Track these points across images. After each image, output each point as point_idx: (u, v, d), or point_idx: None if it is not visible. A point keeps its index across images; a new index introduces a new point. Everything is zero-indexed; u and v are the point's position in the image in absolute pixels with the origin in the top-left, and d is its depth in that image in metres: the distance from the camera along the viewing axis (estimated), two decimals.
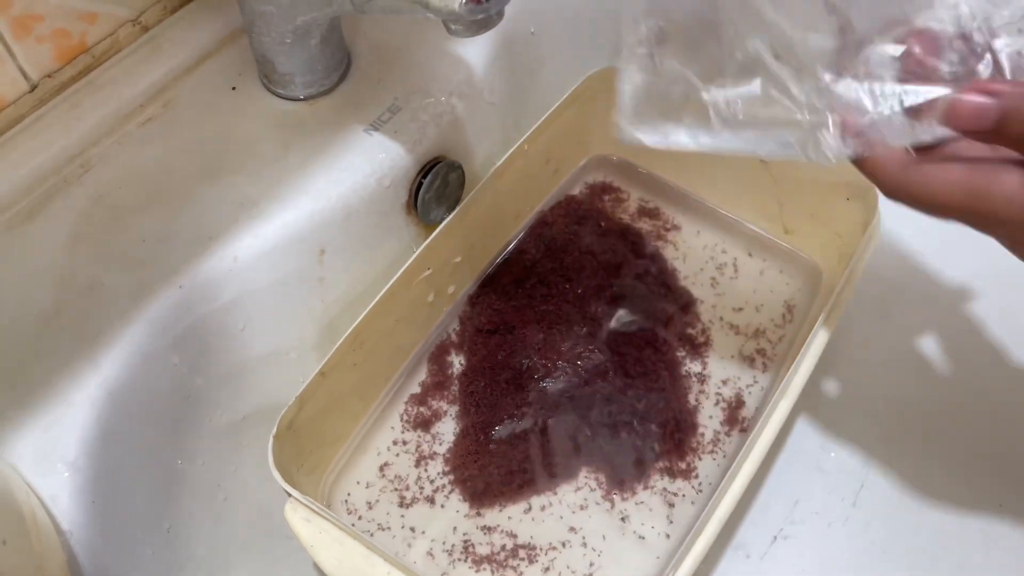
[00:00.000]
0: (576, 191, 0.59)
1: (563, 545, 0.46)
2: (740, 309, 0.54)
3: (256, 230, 0.42)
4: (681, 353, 0.52)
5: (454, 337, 0.52)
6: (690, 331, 0.53)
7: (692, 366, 0.51)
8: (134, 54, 0.46)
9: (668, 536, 0.46)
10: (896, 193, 0.31)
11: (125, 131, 0.44)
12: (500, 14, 0.35)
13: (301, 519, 0.38)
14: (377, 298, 0.44)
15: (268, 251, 0.42)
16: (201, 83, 0.46)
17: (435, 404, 0.50)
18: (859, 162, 0.32)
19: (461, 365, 0.51)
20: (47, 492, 0.35)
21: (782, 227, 0.55)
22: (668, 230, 0.57)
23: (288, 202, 0.42)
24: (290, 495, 0.38)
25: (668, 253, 0.56)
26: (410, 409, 0.50)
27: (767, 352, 0.52)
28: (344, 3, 0.37)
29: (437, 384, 0.51)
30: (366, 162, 0.44)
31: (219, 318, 0.41)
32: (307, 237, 0.43)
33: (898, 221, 0.49)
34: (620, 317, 0.53)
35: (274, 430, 0.39)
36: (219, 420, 0.43)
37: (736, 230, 0.57)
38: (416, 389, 0.51)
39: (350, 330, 0.43)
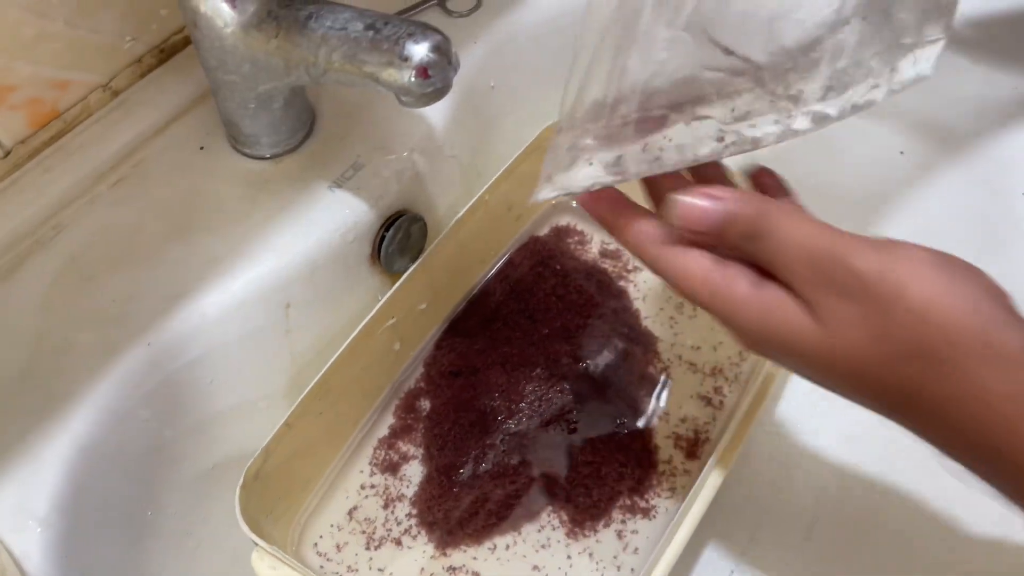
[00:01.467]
0: (542, 233, 0.61)
1: None
2: (698, 348, 0.56)
3: (223, 287, 0.43)
4: (642, 392, 0.54)
5: (420, 381, 0.54)
6: (650, 370, 0.55)
7: (653, 405, 0.53)
8: (105, 118, 0.47)
9: (632, 571, 0.47)
10: (653, 269, 0.34)
11: (96, 192, 0.45)
12: (449, 86, 0.37)
13: (267, 567, 0.40)
14: (341, 349, 0.45)
15: (235, 307, 0.43)
16: (170, 144, 0.48)
17: (403, 447, 0.52)
18: (616, 232, 0.35)
19: (427, 409, 0.52)
20: (19, 549, 0.36)
21: None
22: (629, 271, 0.59)
23: (254, 259, 0.44)
24: (256, 544, 0.40)
25: (631, 293, 0.58)
26: (379, 453, 0.51)
27: (723, 390, 0.54)
28: (302, 75, 0.39)
29: (405, 428, 0.52)
30: (330, 218, 0.46)
31: (188, 373, 0.43)
32: (273, 292, 0.44)
33: None
34: (583, 357, 0.54)
35: (240, 480, 0.41)
36: (189, 470, 0.44)
37: None
38: (385, 433, 0.52)
39: (315, 381, 0.44)
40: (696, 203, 0.31)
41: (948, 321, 0.27)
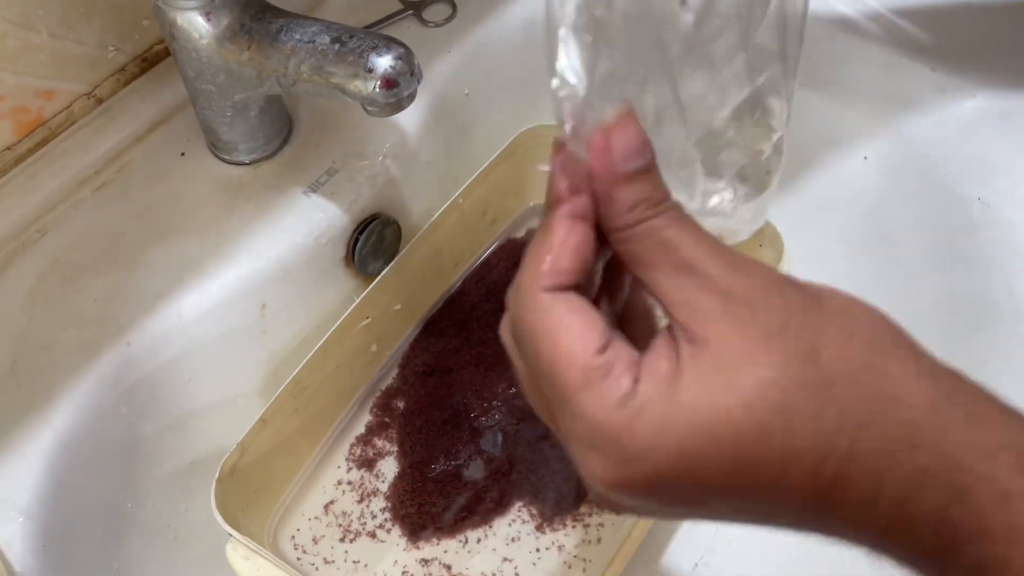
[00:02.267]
0: (519, 235, 0.63)
1: (497, 575, 0.49)
2: None
3: (201, 288, 0.45)
4: None
5: (396, 380, 0.55)
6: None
7: None
8: (89, 125, 0.49)
9: (596, 563, 0.49)
10: (515, 308, 0.25)
11: (80, 197, 0.47)
12: (412, 96, 0.38)
13: (241, 558, 0.41)
14: (316, 348, 0.47)
15: (212, 307, 0.45)
16: (152, 150, 0.49)
17: (379, 444, 0.53)
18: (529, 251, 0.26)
19: (402, 407, 0.54)
20: (1, 538, 0.38)
21: None
22: None
23: (231, 261, 0.46)
24: (231, 535, 0.41)
25: None
26: (355, 449, 0.53)
27: None
28: (274, 85, 0.41)
29: (381, 425, 0.54)
30: (304, 222, 0.47)
31: (166, 371, 0.45)
32: (249, 293, 0.46)
33: (803, 266, 0.52)
34: None
35: (216, 475, 0.42)
36: (168, 465, 0.46)
37: None
38: (361, 430, 0.54)
39: (289, 379, 0.46)
40: (640, 131, 0.24)
41: (879, 336, 0.23)
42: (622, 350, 0.23)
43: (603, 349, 0.23)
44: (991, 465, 0.21)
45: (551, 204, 0.24)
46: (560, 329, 0.23)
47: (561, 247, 0.24)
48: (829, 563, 0.48)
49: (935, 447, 0.21)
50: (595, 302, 0.25)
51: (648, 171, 0.23)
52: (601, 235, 0.24)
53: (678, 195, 0.25)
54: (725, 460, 0.21)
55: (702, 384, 0.21)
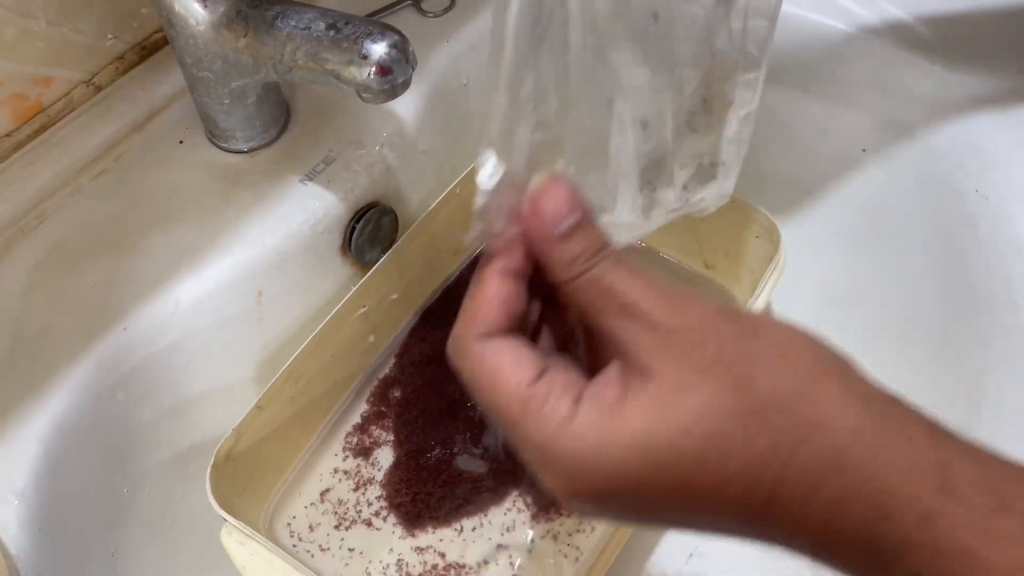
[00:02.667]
0: None
1: (491, 563, 0.49)
2: None
3: (198, 275, 0.45)
4: None
5: (393, 370, 0.55)
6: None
7: None
8: (88, 112, 0.49)
9: (590, 552, 0.49)
10: (456, 361, 0.27)
11: (78, 184, 0.47)
12: (406, 83, 0.38)
13: (235, 542, 0.41)
14: (312, 335, 0.47)
15: (209, 295, 0.45)
16: (151, 138, 0.50)
17: (375, 433, 0.53)
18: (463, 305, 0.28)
19: (399, 396, 0.54)
20: None
21: (703, 262, 0.59)
22: None
23: (227, 248, 0.46)
24: (226, 520, 0.41)
25: None
26: (351, 438, 0.53)
27: None
28: (270, 72, 0.41)
29: (378, 414, 0.54)
30: (301, 210, 0.48)
31: (163, 357, 0.45)
32: (245, 281, 0.46)
33: (800, 258, 0.52)
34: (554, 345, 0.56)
35: (211, 460, 0.43)
36: (165, 451, 0.46)
37: (662, 264, 0.61)
38: (358, 419, 0.54)
39: (285, 366, 0.46)
40: (566, 189, 0.26)
41: (810, 365, 0.24)
42: (558, 376, 0.25)
43: (536, 379, 0.25)
44: (914, 486, 0.22)
45: (483, 259, 0.27)
46: (495, 371, 0.25)
47: (490, 301, 0.26)
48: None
49: (859, 470, 0.22)
50: (537, 330, 0.29)
51: (582, 226, 0.26)
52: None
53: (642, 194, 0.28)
54: (664, 481, 0.23)
55: (643, 412, 0.23)
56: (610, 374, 0.25)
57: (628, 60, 0.28)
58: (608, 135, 0.29)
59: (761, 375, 0.23)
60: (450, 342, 0.27)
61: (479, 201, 0.27)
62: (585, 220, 0.26)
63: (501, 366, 0.25)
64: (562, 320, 0.30)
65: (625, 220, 0.31)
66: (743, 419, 0.23)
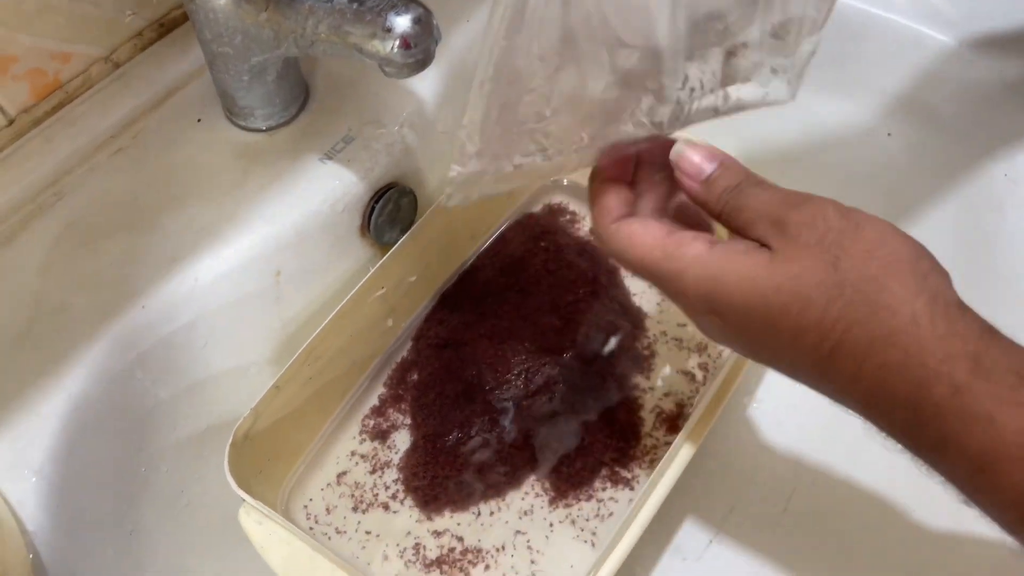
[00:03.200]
0: (536, 209, 0.62)
1: (508, 548, 0.48)
2: (684, 325, 0.57)
3: (216, 253, 0.45)
4: (628, 366, 0.55)
5: (410, 353, 0.55)
6: (638, 345, 0.56)
7: (638, 379, 0.54)
8: (106, 89, 0.49)
9: (608, 538, 0.48)
10: (604, 244, 0.35)
11: (96, 161, 0.47)
12: (430, 57, 0.38)
13: (253, 522, 0.41)
14: (330, 316, 0.47)
15: (227, 273, 0.45)
16: (168, 116, 0.49)
17: (393, 416, 0.53)
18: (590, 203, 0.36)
19: (415, 379, 0.54)
20: (14, 496, 0.38)
21: None
22: None
23: (245, 227, 0.45)
24: (244, 500, 0.41)
25: (621, 270, 0.59)
26: (368, 421, 0.53)
27: (708, 366, 0.55)
28: (291, 46, 0.40)
29: (395, 397, 0.54)
30: (319, 189, 0.47)
31: (181, 336, 0.44)
32: (264, 259, 0.46)
33: None
34: (571, 331, 0.56)
35: (230, 440, 0.42)
36: (182, 430, 0.46)
37: None
38: (375, 402, 0.54)
39: (303, 346, 0.46)
40: (701, 148, 0.34)
41: (896, 261, 0.29)
42: (688, 231, 0.33)
43: (670, 233, 0.33)
44: (949, 365, 0.27)
45: (594, 171, 0.37)
46: (630, 236, 0.34)
47: (607, 195, 0.35)
48: (838, 544, 0.48)
49: (906, 348, 0.28)
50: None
51: (721, 169, 0.34)
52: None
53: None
54: (759, 316, 0.30)
55: (755, 265, 0.31)
56: (743, 240, 0.32)
57: None
58: None
59: (848, 259, 0.29)
60: (594, 236, 0.37)
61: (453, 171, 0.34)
62: (724, 163, 0.34)
63: (634, 232, 0.34)
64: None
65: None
66: (824, 288, 0.29)
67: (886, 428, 0.30)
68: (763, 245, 0.31)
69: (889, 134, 0.55)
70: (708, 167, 0.34)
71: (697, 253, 0.32)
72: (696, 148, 0.34)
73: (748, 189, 0.32)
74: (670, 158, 0.35)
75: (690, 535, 0.49)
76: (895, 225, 0.30)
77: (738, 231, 0.33)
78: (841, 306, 0.29)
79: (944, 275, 0.30)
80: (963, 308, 0.29)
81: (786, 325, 0.30)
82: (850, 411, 0.31)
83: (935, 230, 0.53)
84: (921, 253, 0.30)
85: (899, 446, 0.30)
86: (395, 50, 0.37)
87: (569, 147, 0.34)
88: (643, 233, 0.34)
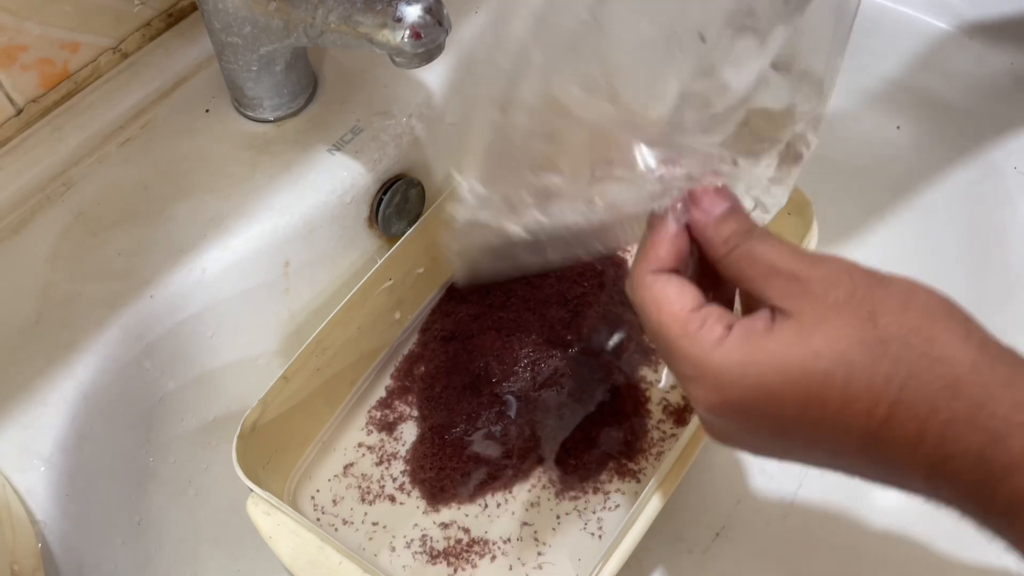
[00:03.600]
0: None
1: (515, 540, 0.48)
2: None
3: (224, 244, 0.45)
4: (636, 358, 0.55)
5: (417, 345, 0.55)
6: (644, 338, 0.56)
7: (645, 371, 0.54)
8: (114, 79, 0.49)
9: (615, 530, 0.48)
10: (633, 290, 0.32)
11: (105, 151, 0.47)
12: (440, 47, 0.38)
13: (261, 512, 0.41)
14: (339, 307, 0.47)
15: (235, 263, 0.45)
16: (177, 106, 0.49)
17: (400, 408, 0.53)
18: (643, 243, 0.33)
19: (422, 371, 0.54)
20: (23, 485, 0.38)
21: None
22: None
23: (254, 218, 0.45)
24: (252, 490, 0.41)
25: (630, 261, 0.59)
26: (375, 412, 0.53)
27: None
28: (300, 36, 0.40)
29: (402, 389, 0.54)
30: (328, 180, 0.47)
31: (189, 326, 0.44)
32: (272, 250, 0.46)
33: (833, 235, 0.51)
34: (579, 323, 0.56)
35: (238, 430, 0.42)
36: (190, 421, 0.46)
37: None
38: (382, 393, 0.54)
39: (312, 337, 0.46)
40: (715, 188, 0.31)
41: (933, 309, 0.27)
42: (714, 309, 0.29)
43: (696, 308, 0.29)
44: (1022, 415, 0.25)
45: (652, 216, 0.32)
46: (661, 297, 0.30)
47: (662, 242, 0.31)
48: (846, 536, 0.48)
49: (972, 399, 0.25)
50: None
51: (733, 211, 0.31)
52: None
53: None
54: (796, 394, 0.27)
55: (784, 339, 0.27)
56: (760, 313, 0.29)
57: None
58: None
59: (886, 314, 0.27)
60: (628, 279, 0.32)
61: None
62: (736, 206, 0.31)
63: (667, 293, 0.30)
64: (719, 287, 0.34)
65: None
66: (868, 347, 0.26)
67: (950, 494, 0.27)
68: (777, 309, 0.28)
69: (898, 127, 0.55)
70: (722, 205, 0.31)
71: (718, 336, 0.28)
72: (716, 185, 0.32)
73: (760, 238, 0.30)
74: (691, 201, 0.32)
75: (697, 528, 0.49)
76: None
77: (747, 283, 0.30)
78: (890, 364, 0.26)
79: (975, 319, 0.28)
80: (1010, 349, 0.27)
81: (831, 396, 0.26)
82: (904, 488, 0.28)
83: (945, 224, 0.53)
84: (951, 300, 0.28)
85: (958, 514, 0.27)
86: (405, 40, 0.37)
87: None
88: (674, 299, 0.30)
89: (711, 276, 0.32)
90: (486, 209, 0.31)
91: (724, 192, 0.31)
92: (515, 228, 0.31)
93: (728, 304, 0.33)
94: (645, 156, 0.31)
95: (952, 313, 0.27)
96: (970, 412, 0.25)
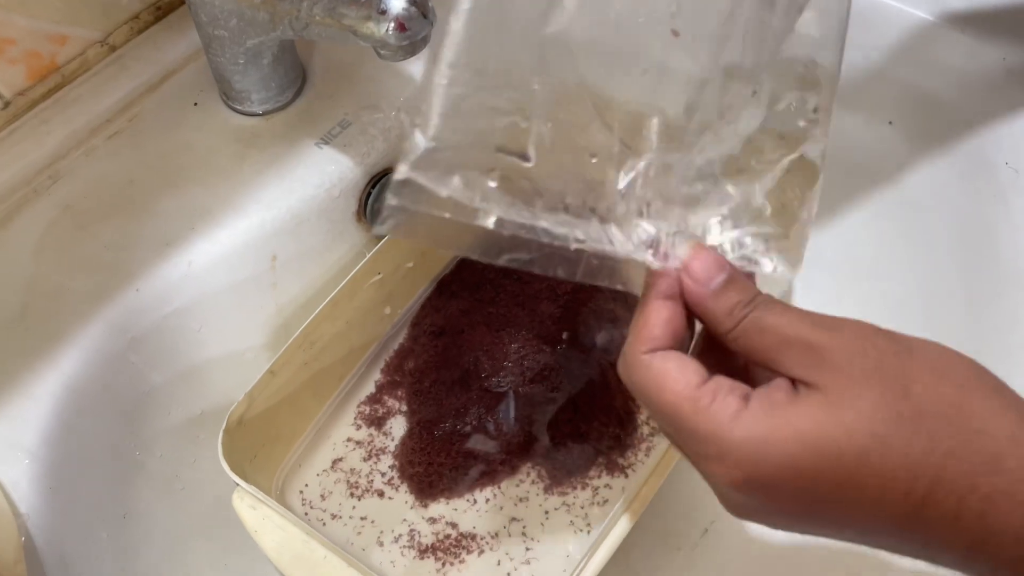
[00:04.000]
0: None
1: (503, 534, 0.48)
2: None
3: (211, 237, 0.45)
4: None
5: (407, 340, 0.55)
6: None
7: None
8: (102, 72, 0.49)
9: (603, 527, 0.48)
10: (628, 372, 0.29)
11: (92, 144, 0.47)
12: (425, 40, 0.38)
13: (247, 506, 0.41)
14: (326, 301, 0.46)
15: (222, 257, 0.45)
16: (165, 99, 0.49)
17: (389, 402, 0.53)
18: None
19: (411, 366, 0.54)
20: (7, 478, 0.38)
21: None
22: None
23: (241, 211, 0.45)
24: (238, 484, 0.41)
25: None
26: (364, 407, 0.53)
27: None
28: (286, 29, 0.40)
29: (392, 384, 0.53)
30: (316, 174, 0.47)
31: (175, 320, 0.44)
32: (259, 244, 0.46)
33: (824, 230, 0.51)
34: (569, 318, 0.55)
35: (223, 424, 0.42)
36: (177, 415, 0.46)
37: None
38: (371, 388, 0.53)
39: (299, 331, 0.45)
40: (712, 253, 0.29)
41: (966, 378, 0.26)
42: (723, 381, 0.27)
43: (703, 383, 0.27)
44: None
45: (645, 288, 0.30)
46: (662, 376, 0.28)
47: (655, 321, 0.28)
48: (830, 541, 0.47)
49: (1013, 474, 0.24)
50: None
51: (733, 280, 0.28)
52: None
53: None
54: (828, 475, 0.25)
55: (810, 413, 0.26)
56: (777, 383, 0.27)
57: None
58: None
59: (918, 385, 0.25)
60: (620, 360, 0.30)
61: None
62: (735, 274, 0.29)
63: (668, 371, 0.28)
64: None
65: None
66: (903, 423, 0.25)
67: (986, 569, 0.26)
68: (798, 380, 0.27)
69: (890, 122, 0.55)
70: (719, 275, 0.28)
71: (735, 410, 0.26)
72: (708, 251, 0.29)
73: (767, 306, 0.28)
74: (685, 266, 0.29)
75: (685, 524, 0.49)
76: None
77: (759, 356, 0.28)
78: (927, 439, 0.25)
79: (1007, 385, 0.27)
80: None
81: (867, 476, 0.25)
82: (938, 563, 0.26)
83: (936, 219, 0.53)
84: (980, 365, 0.27)
85: None
86: (390, 32, 0.36)
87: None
88: (677, 376, 0.27)
89: (714, 348, 0.30)
90: (437, 177, 0.27)
91: (718, 257, 0.29)
92: (470, 208, 0.27)
93: (736, 375, 0.31)
94: (628, 193, 0.29)
95: (984, 380, 0.26)
96: (1011, 487, 0.24)
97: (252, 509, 0.41)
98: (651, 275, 0.29)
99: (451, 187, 0.27)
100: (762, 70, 0.31)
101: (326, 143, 0.48)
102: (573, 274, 0.30)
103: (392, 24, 0.36)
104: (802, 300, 0.54)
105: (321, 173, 0.47)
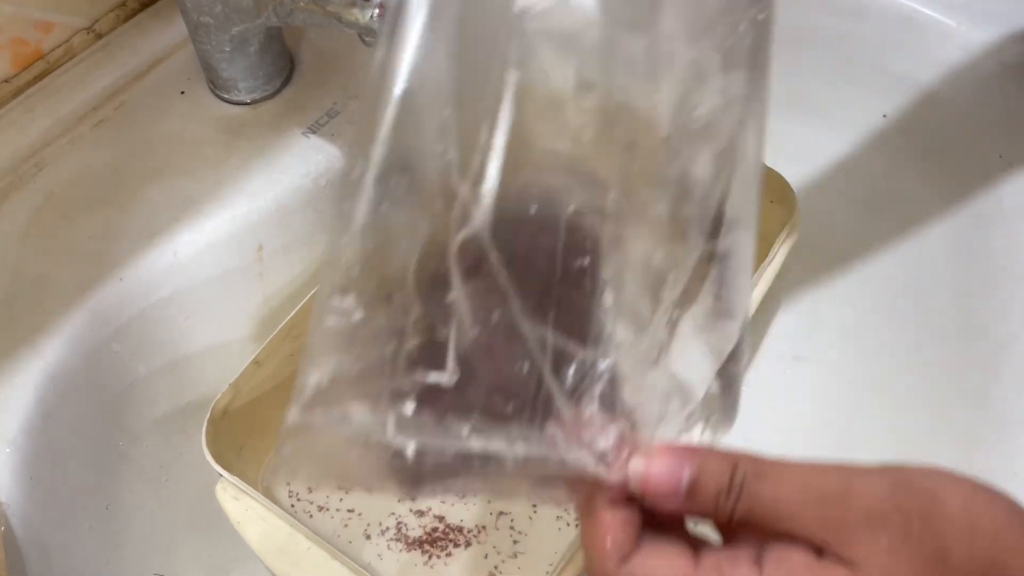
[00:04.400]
0: None
1: (491, 528, 0.48)
2: None
3: (197, 227, 0.44)
4: None
5: None
6: None
7: None
8: (88, 60, 0.48)
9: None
10: None
11: (78, 132, 0.46)
12: None
13: (230, 498, 0.41)
14: (312, 292, 0.46)
15: (208, 246, 0.44)
16: (152, 88, 0.49)
17: None
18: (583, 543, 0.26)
19: None
20: None
21: None
22: None
23: (228, 201, 0.45)
24: (221, 475, 0.41)
25: None
26: None
27: None
28: (271, 16, 0.40)
29: None
30: (303, 163, 0.47)
31: (160, 310, 0.44)
32: (246, 234, 0.45)
33: (816, 224, 0.51)
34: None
35: (208, 415, 0.42)
36: (163, 406, 0.46)
37: None
38: None
39: (285, 321, 0.45)
40: (666, 455, 0.25)
41: (1000, 527, 0.24)
42: (712, 553, 0.25)
43: (696, 563, 0.24)
44: None
45: (583, 506, 0.26)
46: None
47: (615, 529, 0.25)
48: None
49: None
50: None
51: (701, 473, 0.25)
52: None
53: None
54: None
55: None
56: (789, 545, 0.24)
57: None
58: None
59: (954, 547, 0.23)
60: None
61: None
62: (701, 466, 0.25)
63: (658, 571, 0.25)
64: None
65: None
66: None
67: None
68: (818, 546, 0.24)
69: (884, 115, 0.55)
70: (683, 472, 0.25)
71: None
72: (656, 454, 0.25)
73: (755, 482, 0.24)
74: (636, 489, 0.25)
75: None
76: (955, 472, 0.25)
77: (770, 531, 0.25)
78: None
79: None
80: None
81: None
82: None
83: (929, 213, 0.52)
84: (1012, 503, 0.25)
85: None
86: (374, 19, 0.36)
87: None
88: (666, 571, 0.25)
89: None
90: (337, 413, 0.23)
91: (669, 455, 0.25)
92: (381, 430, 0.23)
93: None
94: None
95: (1013, 520, 0.24)
96: None
97: (235, 500, 0.40)
98: (591, 484, 0.26)
99: (354, 423, 0.23)
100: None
101: (313, 132, 0.47)
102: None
103: (376, 11, 0.36)
104: (795, 294, 0.54)
105: (308, 162, 0.47)
